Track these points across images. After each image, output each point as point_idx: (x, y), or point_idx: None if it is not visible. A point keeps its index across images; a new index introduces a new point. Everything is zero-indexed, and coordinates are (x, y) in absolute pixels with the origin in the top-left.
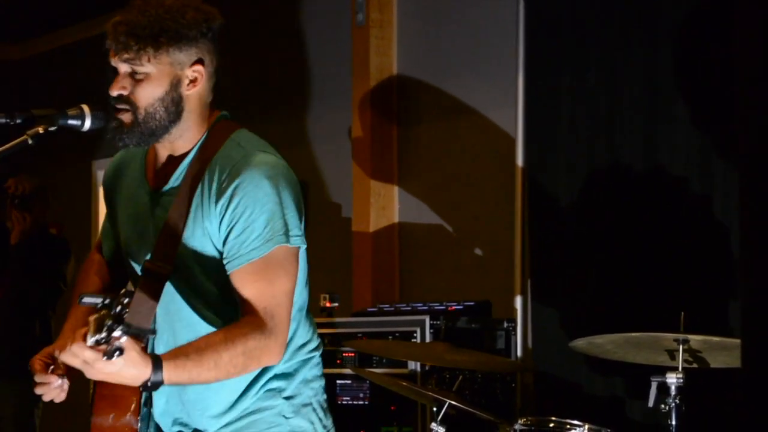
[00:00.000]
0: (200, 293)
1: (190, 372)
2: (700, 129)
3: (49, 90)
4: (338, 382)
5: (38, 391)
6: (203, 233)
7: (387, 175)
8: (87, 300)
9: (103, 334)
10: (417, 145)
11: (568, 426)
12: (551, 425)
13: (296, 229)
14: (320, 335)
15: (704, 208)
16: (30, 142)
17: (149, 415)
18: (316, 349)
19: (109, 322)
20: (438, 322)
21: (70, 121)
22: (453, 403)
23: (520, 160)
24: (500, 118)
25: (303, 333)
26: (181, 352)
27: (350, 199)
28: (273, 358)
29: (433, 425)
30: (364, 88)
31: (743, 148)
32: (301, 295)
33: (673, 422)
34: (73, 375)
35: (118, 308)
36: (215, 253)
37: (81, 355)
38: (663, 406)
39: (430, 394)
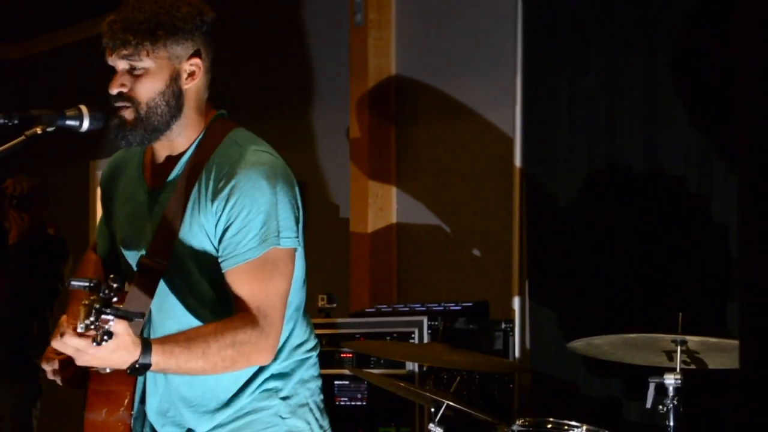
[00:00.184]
0: (195, 291)
1: (178, 358)
2: (700, 130)
3: (48, 90)
4: (336, 382)
5: (56, 378)
6: (200, 230)
7: (385, 176)
8: (75, 283)
9: (92, 318)
10: (415, 145)
11: (566, 427)
12: (549, 426)
13: (288, 230)
14: (318, 336)
15: (703, 210)
16: (28, 142)
17: (144, 415)
18: (313, 349)
19: (97, 306)
20: (436, 323)
21: (69, 122)
22: (451, 403)
23: (518, 161)
24: (499, 118)
25: (300, 333)
26: (170, 338)
27: (348, 199)
28: (263, 358)
29: (431, 426)
30: (362, 88)
31: (743, 150)
32: (297, 295)
33: (671, 423)
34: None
35: (107, 291)
36: (211, 251)
37: (71, 343)
38: (661, 407)
39: (428, 394)
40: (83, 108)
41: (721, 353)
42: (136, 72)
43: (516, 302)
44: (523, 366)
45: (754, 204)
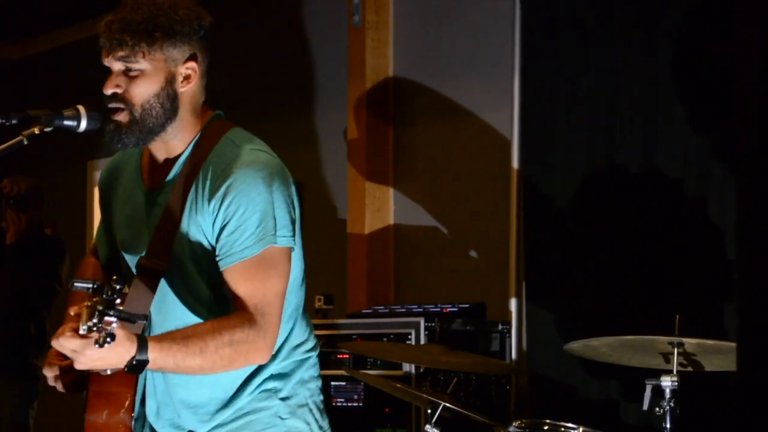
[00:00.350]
0: (194, 291)
1: (175, 356)
2: (699, 131)
3: (47, 90)
4: (332, 383)
5: (57, 384)
6: (198, 231)
7: (382, 177)
8: (78, 284)
9: (95, 320)
10: (413, 147)
11: (563, 429)
12: (546, 428)
13: (285, 229)
14: (315, 336)
15: (701, 211)
16: (26, 142)
17: (144, 416)
18: (312, 349)
19: (100, 308)
20: (433, 324)
21: (66, 122)
22: (447, 405)
23: (515, 162)
24: (496, 120)
25: (299, 333)
26: (167, 336)
27: (345, 200)
28: (260, 357)
29: (428, 427)
30: (360, 89)
31: (742, 150)
32: (296, 295)
33: (668, 425)
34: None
35: (109, 293)
36: (210, 251)
37: (69, 345)
38: (657, 409)
39: (425, 396)
40: (81, 108)
41: (718, 355)
42: (132, 73)
43: (513, 304)
44: (520, 367)
45: (753, 204)
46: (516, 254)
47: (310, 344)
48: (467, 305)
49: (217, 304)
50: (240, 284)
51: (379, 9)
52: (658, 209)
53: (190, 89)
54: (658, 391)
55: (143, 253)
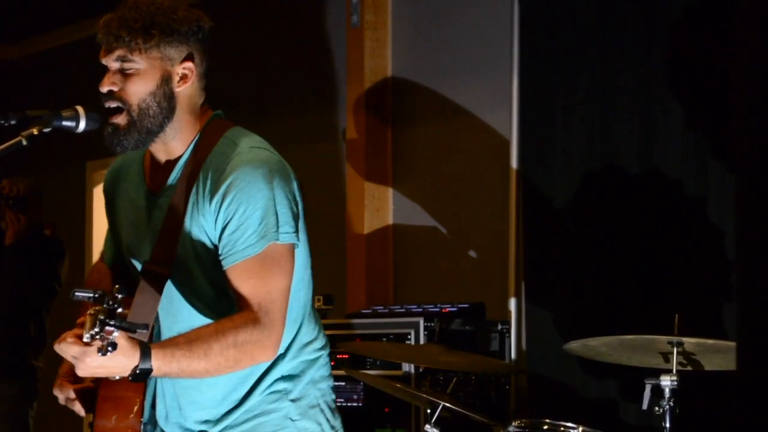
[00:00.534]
0: (199, 294)
1: (180, 361)
2: (697, 130)
3: (45, 91)
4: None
5: (74, 407)
6: (200, 232)
7: (381, 177)
8: (79, 294)
9: (96, 329)
10: (411, 147)
11: (562, 428)
12: (545, 427)
13: (287, 225)
14: (324, 335)
15: (699, 211)
16: (24, 143)
17: (155, 420)
18: (322, 348)
19: (102, 317)
20: (432, 324)
21: (65, 123)
22: (447, 405)
23: (514, 162)
24: (495, 120)
25: (308, 331)
26: (170, 342)
27: (344, 200)
28: (266, 354)
29: (427, 427)
30: (358, 89)
31: (741, 150)
32: (303, 292)
33: (667, 425)
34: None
35: (110, 302)
36: (213, 252)
37: (70, 351)
38: (657, 408)
39: (424, 396)
40: (80, 109)
41: (718, 355)
42: (128, 71)
43: (512, 303)
44: (520, 367)
45: (752, 204)
46: (515, 254)
47: (320, 343)
48: (466, 305)
49: (223, 304)
50: (243, 283)
51: (378, 9)
52: (657, 209)
53: (186, 89)
54: (657, 390)
55: (147, 258)
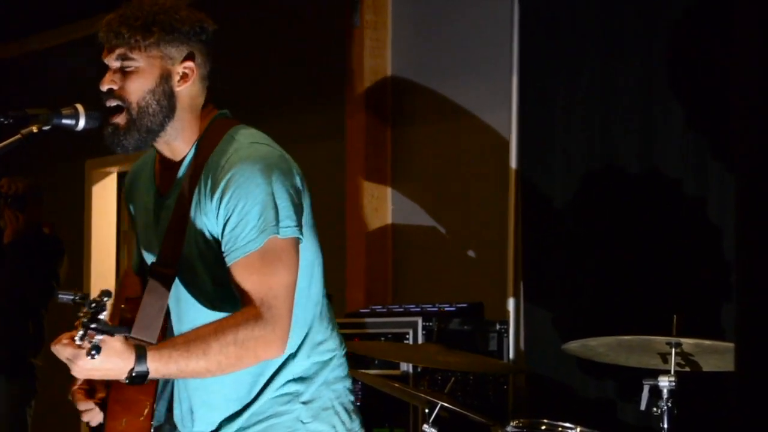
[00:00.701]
0: (205, 293)
1: (177, 362)
2: (696, 131)
3: (42, 90)
4: None
5: (84, 418)
6: (204, 231)
7: (380, 177)
8: (61, 296)
9: (81, 332)
10: (411, 146)
11: (560, 428)
12: (543, 427)
13: (288, 219)
14: (339, 334)
15: (699, 211)
16: (24, 141)
17: (173, 423)
18: (336, 348)
19: (84, 320)
20: (430, 324)
21: (65, 121)
22: (445, 404)
23: (513, 162)
24: (494, 119)
25: (320, 329)
26: (168, 343)
27: (344, 200)
28: (271, 351)
29: (425, 427)
30: (358, 89)
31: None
32: (313, 289)
33: (665, 425)
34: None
35: (93, 306)
36: (217, 251)
37: (63, 353)
38: (655, 409)
39: (423, 395)
40: (79, 107)
41: (716, 355)
42: (127, 70)
43: (511, 303)
44: (518, 367)
45: (752, 204)
46: (514, 254)
47: (333, 342)
48: (465, 305)
49: (230, 303)
50: (245, 279)
51: (378, 9)
52: (656, 209)
53: (187, 89)
54: (655, 391)
55: (154, 259)
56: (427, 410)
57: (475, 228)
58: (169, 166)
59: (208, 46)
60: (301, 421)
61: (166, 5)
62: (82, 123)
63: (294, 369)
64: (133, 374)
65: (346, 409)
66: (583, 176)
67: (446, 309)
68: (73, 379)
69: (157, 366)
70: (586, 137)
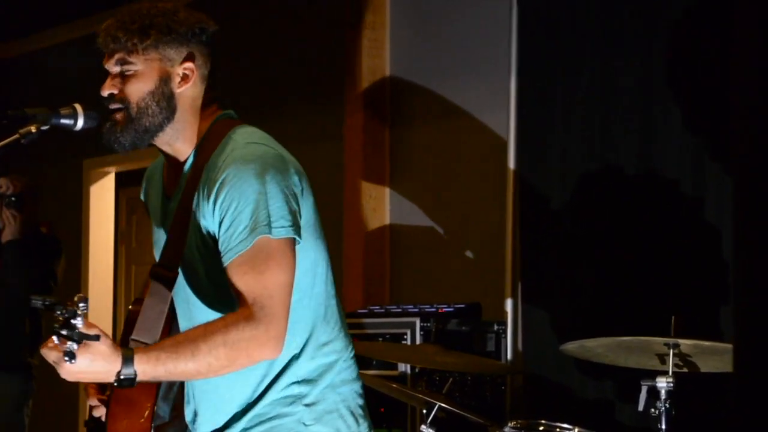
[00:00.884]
0: (209, 295)
1: (166, 364)
2: (694, 132)
3: (39, 89)
4: None
5: (94, 413)
6: (204, 233)
7: (378, 177)
8: (33, 301)
9: (55, 339)
10: (409, 147)
11: (558, 429)
12: (541, 428)
13: (282, 220)
14: (347, 335)
15: (696, 212)
16: (22, 141)
17: (185, 423)
18: (343, 349)
19: (55, 326)
20: (428, 324)
21: (63, 120)
22: (443, 405)
23: (512, 163)
24: (493, 120)
25: (325, 330)
26: (156, 345)
27: (342, 200)
28: (266, 351)
29: (423, 427)
30: (356, 89)
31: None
32: (318, 290)
33: (663, 426)
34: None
35: (63, 312)
36: (216, 253)
37: (50, 356)
38: (653, 410)
39: (420, 396)
40: (78, 107)
41: (714, 356)
42: (127, 73)
43: (509, 304)
44: (516, 368)
45: (751, 205)
46: (512, 254)
47: (340, 343)
48: (463, 305)
49: (233, 304)
50: (239, 279)
51: (376, 9)
52: (655, 210)
53: (188, 90)
54: (653, 392)
55: (156, 261)
56: (424, 411)
57: (473, 229)
58: (174, 167)
59: (208, 47)
60: (304, 424)
61: (163, 7)
62: (80, 123)
63: (298, 371)
64: (121, 377)
65: (352, 413)
66: (582, 177)
67: (444, 310)
68: None
69: (144, 368)
70: (584, 138)
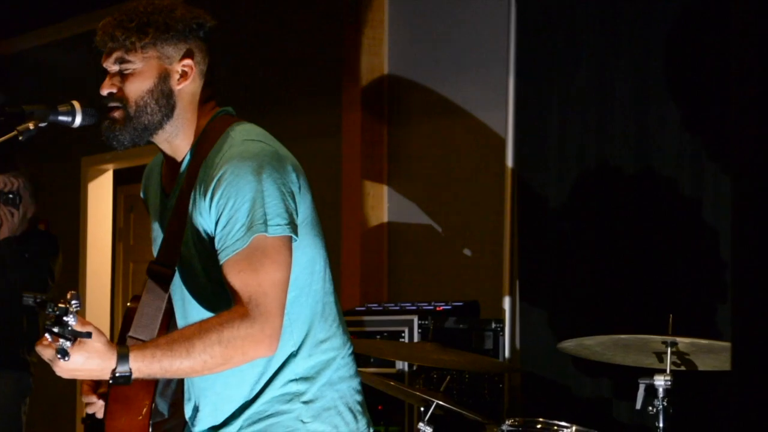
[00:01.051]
0: (205, 293)
1: (161, 362)
2: (691, 131)
3: (38, 87)
4: None
5: (89, 410)
6: (200, 230)
7: (377, 175)
8: (24, 298)
9: (48, 336)
10: (407, 145)
11: (556, 427)
12: (538, 426)
13: (278, 218)
14: (345, 332)
15: (694, 210)
16: (20, 137)
17: (184, 420)
18: (341, 346)
19: (47, 324)
20: (426, 322)
21: (61, 117)
22: (440, 403)
23: (510, 161)
24: (490, 118)
25: (323, 328)
26: (152, 343)
27: (340, 198)
28: (261, 349)
29: (421, 425)
30: (354, 87)
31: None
32: (316, 287)
33: (661, 424)
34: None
35: (54, 309)
36: (212, 250)
37: (45, 354)
38: (650, 408)
39: (418, 393)
40: (76, 104)
41: (711, 355)
42: (126, 72)
43: (506, 302)
44: (513, 366)
45: (748, 205)
46: (510, 253)
47: (338, 341)
48: (461, 303)
49: (229, 302)
50: (235, 277)
51: (375, 7)
52: (652, 209)
53: (187, 87)
54: (651, 390)
55: (154, 259)
56: (422, 408)
57: (471, 227)
58: (172, 165)
59: (206, 43)
60: (302, 421)
61: (160, 5)
62: (78, 120)
63: (296, 368)
64: (116, 374)
65: (350, 410)
66: (579, 175)
67: (442, 307)
68: None
69: (139, 366)
70: (582, 136)
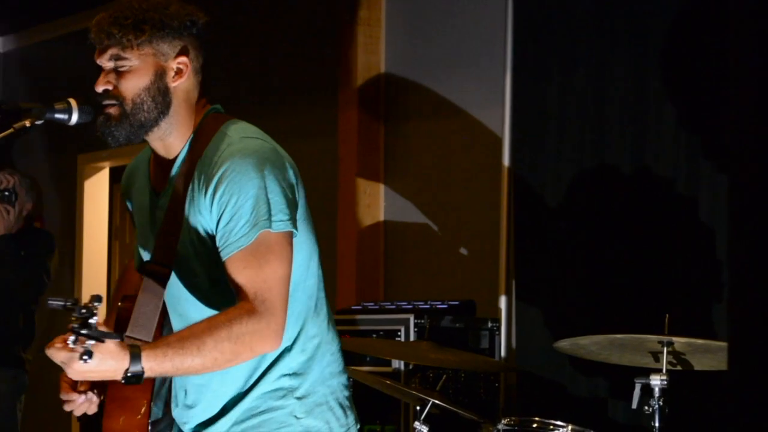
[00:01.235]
0: (203, 291)
1: (173, 360)
2: (688, 130)
3: (35, 86)
4: None
5: (66, 408)
6: (199, 228)
7: (373, 174)
8: (51, 302)
9: (72, 338)
10: (404, 143)
11: (552, 426)
12: (534, 425)
13: (281, 213)
14: (335, 329)
15: (690, 210)
16: (16, 135)
17: (171, 419)
18: (332, 341)
19: (75, 326)
20: (422, 321)
21: (57, 115)
22: (436, 402)
23: (506, 160)
24: (488, 117)
25: (315, 323)
26: (162, 341)
27: (336, 196)
28: (267, 344)
29: (417, 424)
30: (351, 85)
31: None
32: (309, 283)
33: (656, 424)
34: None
35: (83, 312)
36: (212, 248)
37: (58, 357)
38: (646, 407)
39: (414, 392)
40: (72, 101)
41: (707, 354)
42: (121, 69)
43: (503, 301)
44: (509, 365)
45: (745, 203)
46: (506, 252)
47: (329, 336)
48: (457, 302)
49: (228, 300)
50: (239, 274)
51: (372, 5)
52: (648, 208)
53: (182, 84)
54: (647, 389)
55: (149, 258)
56: (418, 407)
57: (467, 225)
58: (163, 163)
59: (199, 39)
60: (295, 416)
61: (155, 2)
62: (75, 117)
63: (290, 363)
64: (129, 374)
65: (341, 405)
66: (576, 174)
67: (438, 306)
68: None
69: (151, 365)
70: (578, 135)
